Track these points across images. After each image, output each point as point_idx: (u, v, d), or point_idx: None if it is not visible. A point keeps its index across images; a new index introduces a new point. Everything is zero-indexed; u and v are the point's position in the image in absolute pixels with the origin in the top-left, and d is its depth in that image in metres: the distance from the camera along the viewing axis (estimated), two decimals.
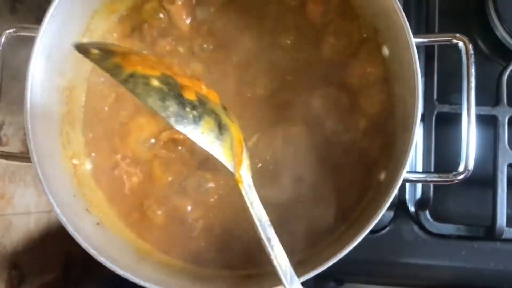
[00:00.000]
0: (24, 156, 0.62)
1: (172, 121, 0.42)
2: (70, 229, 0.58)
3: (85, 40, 0.69)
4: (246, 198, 0.50)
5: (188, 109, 0.43)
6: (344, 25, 0.70)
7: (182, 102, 0.42)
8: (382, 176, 0.65)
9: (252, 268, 0.67)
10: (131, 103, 0.70)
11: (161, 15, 0.72)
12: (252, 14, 0.72)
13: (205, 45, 0.72)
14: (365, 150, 0.68)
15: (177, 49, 0.72)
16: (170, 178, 0.70)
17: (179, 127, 0.43)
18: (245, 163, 0.49)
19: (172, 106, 0.42)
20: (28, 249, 0.92)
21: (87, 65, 0.71)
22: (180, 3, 0.71)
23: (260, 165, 0.68)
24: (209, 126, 0.45)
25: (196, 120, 0.44)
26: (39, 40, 0.60)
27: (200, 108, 0.44)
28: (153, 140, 0.70)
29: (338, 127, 0.68)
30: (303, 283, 0.79)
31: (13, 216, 0.89)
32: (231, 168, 0.48)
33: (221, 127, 0.46)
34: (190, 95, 0.44)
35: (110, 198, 0.70)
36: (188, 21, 0.72)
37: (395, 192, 0.58)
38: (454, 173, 0.62)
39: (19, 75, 0.62)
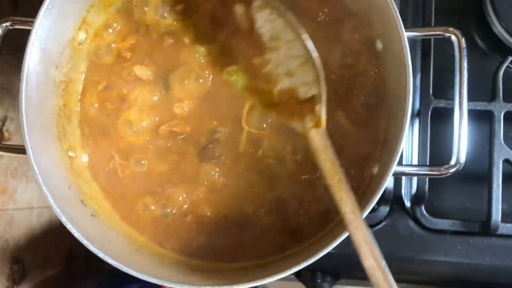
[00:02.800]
0: (21, 149, 0.62)
1: None
2: (64, 220, 0.58)
3: (81, 33, 0.70)
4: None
5: None
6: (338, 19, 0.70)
7: None
8: (375, 170, 0.66)
9: (246, 260, 0.68)
10: (118, 98, 0.71)
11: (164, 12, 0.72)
12: None
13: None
14: (358, 145, 0.68)
15: (183, 40, 0.72)
16: (166, 169, 0.70)
17: None
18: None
19: None
20: (30, 244, 0.92)
21: (84, 59, 0.72)
22: None
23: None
24: None
25: None
26: (34, 33, 0.61)
27: None
28: (148, 131, 0.71)
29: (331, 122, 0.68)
30: (297, 275, 0.79)
31: (15, 211, 0.90)
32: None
33: None
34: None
35: (105, 190, 0.70)
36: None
37: (385, 185, 0.58)
38: (446, 166, 0.62)
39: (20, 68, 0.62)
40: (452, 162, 0.62)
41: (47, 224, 0.97)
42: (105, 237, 0.65)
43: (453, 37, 0.62)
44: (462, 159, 0.62)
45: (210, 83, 0.71)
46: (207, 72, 0.70)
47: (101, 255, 0.58)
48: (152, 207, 0.69)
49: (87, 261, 1.08)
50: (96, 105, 0.71)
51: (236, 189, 0.69)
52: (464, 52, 0.62)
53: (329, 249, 0.58)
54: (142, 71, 0.71)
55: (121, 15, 0.72)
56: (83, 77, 0.72)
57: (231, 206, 0.69)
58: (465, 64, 0.62)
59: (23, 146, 0.61)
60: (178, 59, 0.71)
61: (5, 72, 0.76)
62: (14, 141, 0.91)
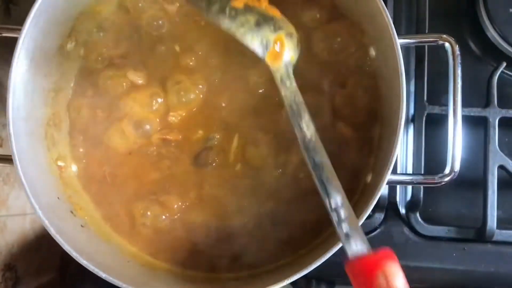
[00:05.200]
0: (8, 158, 0.61)
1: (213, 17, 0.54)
2: (52, 232, 0.57)
3: (70, 41, 0.69)
4: (281, 90, 0.54)
5: (227, 10, 0.54)
6: (331, 26, 0.70)
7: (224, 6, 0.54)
8: (369, 178, 0.65)
9: (239, 270, 0.67)
10: (109, 106, 0.70)
11: (159, 19, 0.72)
12: None
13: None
14: (351, 153, 0.67)
15: (174, 48, 0.72)
16: (158, 178, 0.70)
17: (215, 20, 0.54)
18: (287, 55, 0.55)
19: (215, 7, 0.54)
20: (23, 251, 0.91)
21: (73, 66, 0.71)
22: (178, 4, 0.71)
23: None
24: (246, 20, 0.54)
25: (232, 17, 0.54)
26: (21, 41, 0.59)
27: (242, 12, 0.54)
28: (140, 139, 0.70)
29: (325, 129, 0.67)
30: (291, 283, 0.78)
31: (8, 218, 0.89)
32: (259, 53, 0.55)
33: (261, 22, 0.54)
34: (236, 4, 0.54)
35: (95, 201, 0.69)
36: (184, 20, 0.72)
37: (379, 193, 0.57)
38: (440, 175, 0.62)
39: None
40: (447, 171, 0.61)
41: (41, 230, 0.96)
42: (95, 249, 0.64)
43: (447, 44, 0.62)
44: (457, 168, 0.61)
45: (204, 92, 0.70)
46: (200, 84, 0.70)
47: (91, 268, 0.57)
48: (143, 217, 0.68)
49: (82, 267, 1.07)
50: (86, 114, 0.70)
51: (229, 198, 0.68)
52: (458, 60, 0.62)
53: (323, 259, 0.57)
54: (136, 77, 0.70)
55: (113, 22, 0.72)
56: (72, 85, 0.71)
57: (224, 215, 0.68)
58: (459, 72, 0.62)
59: (11, 156, 0.60)
60: (171, 67, 0.70)
61: None
62: (6, 147, 0.89)
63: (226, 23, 0.54)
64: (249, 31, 0.54)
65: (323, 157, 0.54)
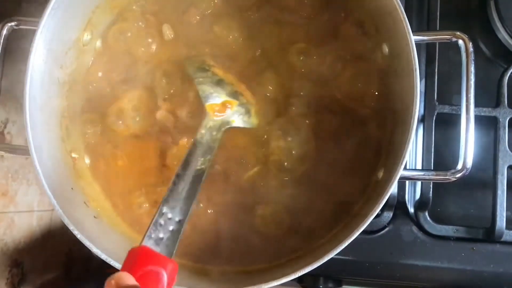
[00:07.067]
0: (24, 149, 0.62)
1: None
2: (67, 221, 0.58)
3: (86, 34, 0.70)
4: (202, 131, 0.62)
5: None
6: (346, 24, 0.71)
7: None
8: (380, 174, 0.65)
9: (250, 264, 0.67)
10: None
11: None
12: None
13: None
14: (363, 148, 0.67)
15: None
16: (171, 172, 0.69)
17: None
18: (230, 117, 0.64)
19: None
20: (30, 247, 0.91)
21: (88, 58, 0.72)
22: None
23: None
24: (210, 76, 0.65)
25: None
26: (39, 33, 0.60)
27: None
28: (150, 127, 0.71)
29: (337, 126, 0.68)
30: (299, 280, 0.78)
31: (16, 214, 0.89)
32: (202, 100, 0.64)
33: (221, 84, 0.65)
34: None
35: (107, 193, 0.70)
36: None
37: (392, 188, 0.57)
38: (452, 171, 0.62)
39: (24, 70, 0.61)
40: (459, 167, 0.61)
41: (47, 227, 0.96)
42: (108, 239, 0.64)
43: (460, 42, 0.62)
44: (469, 164, 0.61)
45: None
46: None
47: (103, 257, 0.57)
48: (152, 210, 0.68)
49: (87, 264, 1.07)
50: (102, 102, 0.71)
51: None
52: (471, 57, 0.62)
53: (332, 254, 0.57)
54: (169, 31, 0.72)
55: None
56: (86, 77, 0.72)
57: (236, 208, 0.68)
58: (472, 69, 0.62)
59: (26, 146, 0.60)
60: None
61: (9, 74, 0.76)
62: (15, 143, 0.90)
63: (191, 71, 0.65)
64: (206, 84, 0.65)
65: (198, 184, 0.58)
